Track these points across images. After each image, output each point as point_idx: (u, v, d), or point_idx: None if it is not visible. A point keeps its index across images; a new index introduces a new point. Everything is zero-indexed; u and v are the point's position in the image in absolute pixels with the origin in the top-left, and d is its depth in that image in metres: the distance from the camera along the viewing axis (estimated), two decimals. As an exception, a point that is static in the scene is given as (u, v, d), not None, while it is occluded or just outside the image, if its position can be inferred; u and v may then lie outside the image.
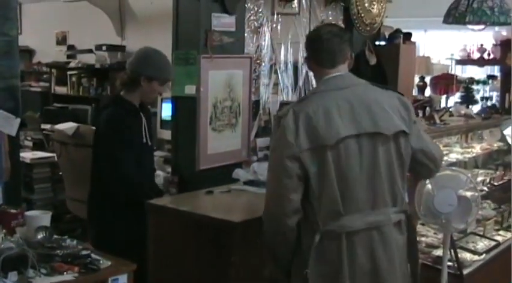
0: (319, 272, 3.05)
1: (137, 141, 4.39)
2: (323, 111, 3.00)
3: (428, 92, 11.55)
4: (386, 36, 7.59)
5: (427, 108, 6.50)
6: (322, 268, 3.04)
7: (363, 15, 7.00)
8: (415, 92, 11.59)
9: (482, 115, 6.98)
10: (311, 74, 6.47)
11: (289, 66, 6.25)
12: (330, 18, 6.69)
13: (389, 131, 3.04)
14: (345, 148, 2.97)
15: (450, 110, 6.87)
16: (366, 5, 7.07)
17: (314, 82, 6.50)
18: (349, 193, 2.99)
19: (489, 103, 11.41)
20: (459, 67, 13.16)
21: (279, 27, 6.05)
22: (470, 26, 6.84)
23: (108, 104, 4.52)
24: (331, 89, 3.10)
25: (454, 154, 6.32)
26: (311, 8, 6.44)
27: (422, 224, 5.42)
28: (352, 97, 3.06)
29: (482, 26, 6.79)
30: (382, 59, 7.13)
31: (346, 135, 2.98)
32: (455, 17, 6.22)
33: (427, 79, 11.55)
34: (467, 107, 7.65)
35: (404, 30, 8.26)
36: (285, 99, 6.03)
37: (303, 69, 6.39)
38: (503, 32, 10.32)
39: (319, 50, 3.15)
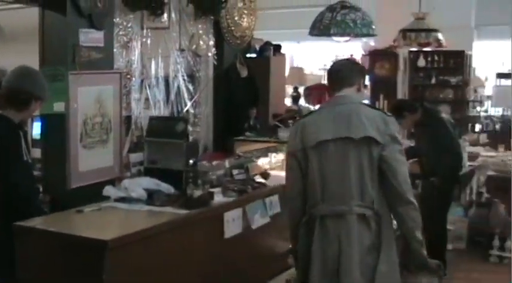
0: (302, 247, 3.78)
1: (21, 159, 4.28)
2: (314, 121, 3.77)
3: (302, 102, 11.81)
4: (257, 49, 7.72)
5: (297, 119, 6.62)
6: (304, 243, 3.76)
7: (233, 28, 7.09)
8: (289, 103, 11.85)
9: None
10: (183, 88, 6.50)
11: (160, 80, 6.25)
12: (200, 31, 6.73)
13: (357, 135, 3.61)
14: (324, 150, 3.67)
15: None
16: (236, 18, 7.17)
17: (186, 95, 6.55)
18: (327, 186, 3.67)
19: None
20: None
21: (149, 41, 6.04)
22: (335, 38, 7.04)
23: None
24: (329, 105, 3.88)
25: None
26: (181, 22, 6.46)
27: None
28: (340, 111, 3.72)
29: (346, 38, 7.00)
30: (254, 71, 7.24)
31: (324, 139, 3.67)
32: (320, 29, 6.39)
33: (301, 89, 11.79)
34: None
35: (276, 42, 8.43)
36: (156, 114, 6.01)
37: (175, 83, 6.41)
38: (372, 42, 10.73)
39: (331, 78, 3.94)
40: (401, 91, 10.61)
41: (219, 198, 4.64)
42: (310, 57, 16.68)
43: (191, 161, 4.61)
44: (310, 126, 3.75)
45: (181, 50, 6.53)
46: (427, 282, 3.80)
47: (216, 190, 4.68)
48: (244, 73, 7.11)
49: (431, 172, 6.60)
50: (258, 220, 4.85)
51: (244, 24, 7.32)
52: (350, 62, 4.21)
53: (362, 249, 3.60)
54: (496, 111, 13.29)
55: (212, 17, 6.83)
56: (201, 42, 6.73)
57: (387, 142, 3.61)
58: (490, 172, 7.68)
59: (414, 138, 7.53)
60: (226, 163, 5.19)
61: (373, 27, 6.39)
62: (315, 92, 11.56)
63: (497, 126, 12.21)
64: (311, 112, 4.04)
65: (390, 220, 3.71)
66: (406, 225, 3.64)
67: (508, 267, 6.89)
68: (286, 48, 8.72)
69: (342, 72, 3.87)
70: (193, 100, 6.58)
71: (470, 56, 12.64)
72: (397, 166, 3.60)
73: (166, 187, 4.54)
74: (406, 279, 3.80)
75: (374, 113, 3.71)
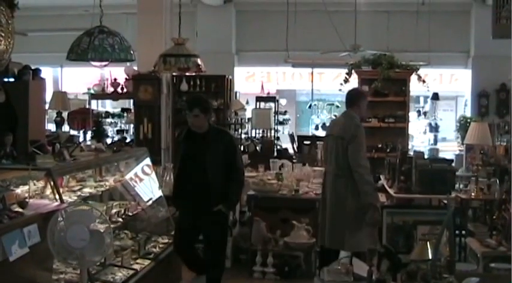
0: None
1: None
2: (330, 123, 7.42)
3: (66, 127, 11.55)
4: (16, 73, 7.44)
5: (57, 145, 6.45)
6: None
7: (-12, 51, 6.77)
8: (53, 127, 11.54)
9: (114, 148, 7.13)
10: None
11: None
12: (-47, 55, 6.35)
13: (335, 133, 6.57)
14: (327, 139, 6.83)
15: (81, 145, 6.91)
16: (-7, 41, 6.84)
17: None
18: (326, 157, 6.80)
19: (127, 135, 11.76)
20: (100, 101, 13.40)
21: None
22: (93, 63, 6.96)
23: None
24: (338, 116, 7.80)
25: (88, 188, 6.36)
26: None
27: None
28: (339, 120, 6.93)
29: (105, 62, 6.95)
30: (12, 96, 6.97)
31: (327, 134, 6.91)
32: (77, 53, 6.31)
33: (65, 114, 11.53)
34: (99, 141, 7.76)
35: (37, 66, 8.18)
36: None
37: None
38: (135, 66, 10.73)
39: (345, 100, 6.86)
40: (165, 114, 10.68)
41: (-28, 230, 4.39)
42: (75, 81, 16.41)
43: None
44: (329, 126, 7.26)
45: None
46: (371, 215, 6.12)
47: (-32, 222, 4.43)
48: (1, 98, 6.81)
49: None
50: (16, 252, 4.64)
51: (2, 47, 6.99)
52: (354, 91, 7.14)
53: (336, 189, 6.44)
54: (257, 133, 13.85)
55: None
56: (-46, 66, 6.36)
57: (349, 139, 6.32)
58: (251, 192, 7.96)
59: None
60: (-20, 193, 4.92)
61: (132, 52, 6.41)
62: (79, 117, 11.40)
63: (258, 147, 12.71)
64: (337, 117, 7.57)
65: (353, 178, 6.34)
66: (357, 181, 6.26)
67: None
68: (49, 72, 8.48)
69: (348, 97, 6.71)
70: None
71: (232, 80, 13.08)
72: (352, 151, 6.28)
73: None
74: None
75: (348, 122, 6.45)
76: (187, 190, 6.19)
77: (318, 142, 11.56)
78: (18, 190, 5.49)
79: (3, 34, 6.99)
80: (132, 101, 10.84)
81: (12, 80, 7.37)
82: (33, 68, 7.89)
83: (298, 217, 7.57)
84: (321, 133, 14.88)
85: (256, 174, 9.18)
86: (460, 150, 13.61)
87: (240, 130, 12.81)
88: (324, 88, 17.23)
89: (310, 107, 16.30)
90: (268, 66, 16.99)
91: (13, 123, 6.93)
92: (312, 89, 16.88)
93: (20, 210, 4.99)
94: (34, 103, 7.32)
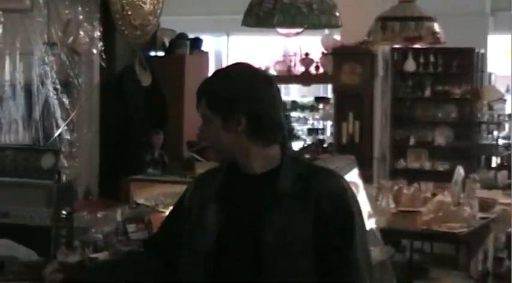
0: None
1: None
2: None
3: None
4: (167, 44, 7.71)
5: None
6: None
7: (130, 13, 7.06)
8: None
9: (307, 155, 7.25)
10: (54, 102, 6.47)
11: (19, 90, 6.21)
12: (81, 17, 6.71)
13: None
14: None
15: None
16: (135, -2, 7.16)
17: (59, 113, 6.52)
18: None
19: (324, 137, 11.93)
20: (283, 87, 13.70)
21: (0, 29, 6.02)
22: (280, 30, 6.95)
23: None
24: None
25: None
26: (50, 1, 6.44)
27: None
28: None
29: (298, 30, 6.92)
30: (160, 77, 7.23)
31: None
32: (259, 16, 6.28)
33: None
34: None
35: (194, 35, 8.46)
36: (11, 141, 5.98)
37: (41, 94, 6.38)
38: (336, 35, 10.82)
39: None
40: (380, 107, 10.71)
41: (107, 267, 4.64)
42: (246, 55, 16.84)
43: (64, 212, 4.60)
44: None
45: (52, 45, 6.51)
46: None
47: (101, 255, 4.68)
48: (146, 80, 7.11)
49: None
50: None
51: (147, 7, 7.31)
52: None
53: None
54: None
55: (98, -4, 6.85)
56: (82, 33, 6.72)
57: None
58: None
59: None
60: (118, 215, 5.19)
61: (337, 14, 6.42)
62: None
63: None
64: None
65: None
66: None
67: None
68: (211, 42, 8.69)
69: None
70: (69, 119, 6.56)
71: (483, 55, 12.91)
72: None
73: (25, 253, 4.51)
74: None
75: None
76: None
77: None
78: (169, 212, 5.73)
79: (149, -11, 7.32)
80: (330, 86, 10.96)
81: (161, 54, 7.65)
82: (190, 37, 8.18)
83: None
84: None
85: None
86: None
87: (495, 132, 12.62)
88: None
89: None
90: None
91: (162, 116, 7.18)
92: None
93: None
94: (191, 84, 7.52)
